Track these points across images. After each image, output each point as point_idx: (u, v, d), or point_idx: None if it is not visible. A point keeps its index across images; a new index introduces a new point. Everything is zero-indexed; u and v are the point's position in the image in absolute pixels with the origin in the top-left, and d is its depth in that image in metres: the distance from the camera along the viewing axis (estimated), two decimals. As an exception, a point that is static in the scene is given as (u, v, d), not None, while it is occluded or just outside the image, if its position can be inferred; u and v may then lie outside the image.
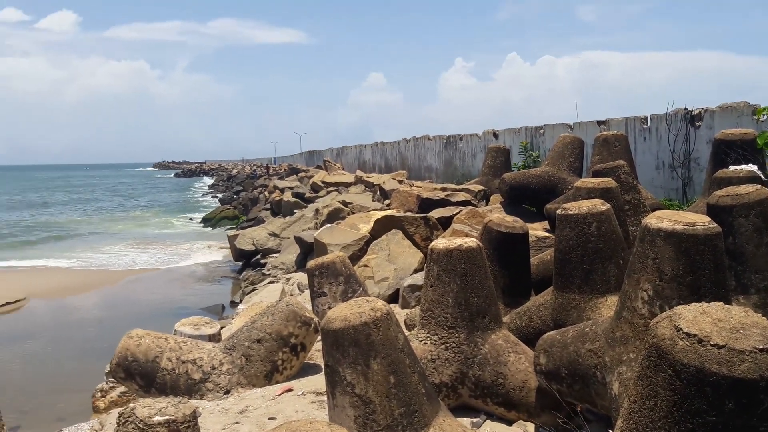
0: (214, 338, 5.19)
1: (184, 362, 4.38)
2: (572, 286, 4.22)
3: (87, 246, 28.56)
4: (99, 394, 6.69)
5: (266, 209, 28.47)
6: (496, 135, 17.95)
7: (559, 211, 4.40)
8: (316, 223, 15.75)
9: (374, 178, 21.50)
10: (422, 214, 9.42)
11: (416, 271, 8.14)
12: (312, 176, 29.17)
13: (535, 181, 8.95)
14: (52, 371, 11.18)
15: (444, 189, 11.25)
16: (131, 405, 3.11)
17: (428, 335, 4.11)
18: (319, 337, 5.36)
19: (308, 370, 4.94)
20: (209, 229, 34.32)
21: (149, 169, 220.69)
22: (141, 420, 2.94)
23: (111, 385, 6.60)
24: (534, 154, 14.77)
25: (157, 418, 2.93)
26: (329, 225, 11.82)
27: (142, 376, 4.38)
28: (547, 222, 7.71)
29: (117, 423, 3.04)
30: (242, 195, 43.37)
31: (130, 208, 51.28)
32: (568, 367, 3.49)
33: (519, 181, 9.16)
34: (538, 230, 7.26)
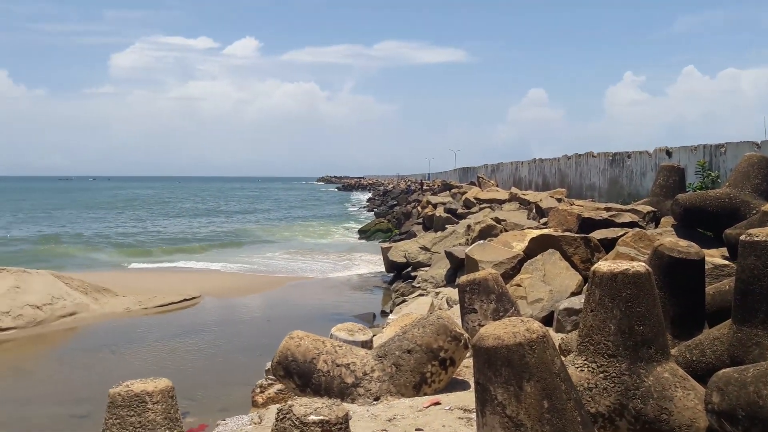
0: (367, 345, 5.33)
1: (338, 365, 4.54)
2: (755, 320, 3.80)
3: (255, 252, 30.95)
4: (258, 390, 7.14)
5: (418, 223, 28.88)
6: (669, 153, 16.67)
7: (742, 237, 3.97)
8: (468, 239, 15.65)
9: (530, 195, 20.93)
10: (582, 235, 8.96)
11: (573, 294, 7.75)
12: (465, 192, 29.09)
13: (713, 204, 8.14)
14: (220, 364, 12.19)
15: (608, 209, 10.62)
16: (289, 402, 3.27)
17: (586, 362, 3.88)
18: (469, 354, 5.29)
19: (456, 385, 4.88)
20: (364, 240, 35.58)
21: (314, 182, 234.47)
22: (297, 418, 3.08)
23: (269, 381, 7.02)
24: (713, 174, 13.48)
25: (312, 418, 3.06)
26: (481, 241, 11.68)
27: (299, 375, 4.61)
28: (726, 249, 6.99)
29: (276, 418, 3.21)
30: (396, 209, 44.47)
31: (294, 219, 54.76)
32: (746, 408, 3.14)
33: (695, 202, 8.39)
34: (715, 257, 6.58)
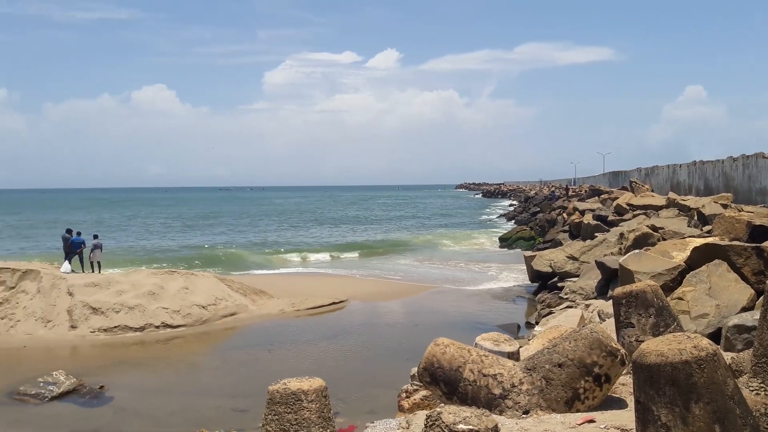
0: (513, 356, 5.19)
1: (485, 375, 4.48)
2: None
3: (397, 258, 31.58)
4: (404, 395, 7.24)
5: (564, 231, 27.78)
6: None
7: None
8: (620, 248, 14.77)
9: (690, 201, 19.32)
10: (754, 244, 8.10)
11: (744, 309, 7.02)
12: (616, 198, 27.53)
13: None
14: (367, 366, 12.56)
15: (784, 215, 9.53)
16: (438, 410, 3.27)
17: (762, 385, 3.49)
18: (626, 371, 4.97)
19: (611, 403, 4.60)
20: (506, 249, 34.90)
21: (453, 189, 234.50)
22: (447, 425, 3.07)
23: (415, 387, 7.10)
24: None
25: (462, 427, 3.03)
26: (637, 251, 10.96)
27: (445, 383, 4.60)
28: None
29: (424, 424, 3.22)
30: (539, 216, 43.10)
31: (434, 227, 55.11)
32: None
33: None
34: None
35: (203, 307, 16.70)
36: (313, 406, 3.69)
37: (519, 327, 14.83)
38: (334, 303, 18.54)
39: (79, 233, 20.27)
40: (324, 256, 32.65)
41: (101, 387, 11.29)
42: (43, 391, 10.91)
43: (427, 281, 23.30)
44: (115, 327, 15.31)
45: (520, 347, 6.53)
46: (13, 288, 16.27)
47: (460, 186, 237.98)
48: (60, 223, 55.14)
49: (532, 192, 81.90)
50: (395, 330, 15.68)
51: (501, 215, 65.84)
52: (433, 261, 30.13)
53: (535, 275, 19.37)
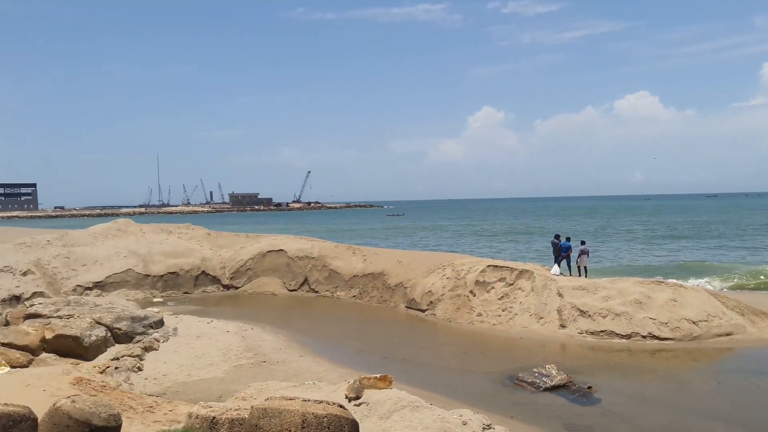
0: None
1: None
2: None
3: None
4: None
5: None
6: None
7: None
8: None
9: None
10: None
11: None
12: None
13: None
14: None
15: None
16: None
17: None
18: None
19: None
20: None
21: None
22: None
23: None
24: None
25: None
26: None
27: None
28: None
29: None
30: None
31: None
32: None
33: None
34: None
35: (694, 322, 15.52)
36: None
37: None
38: None
39: (568, 239, 21.55)
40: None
41: (589, 387, 11.67)
42: (538, 381, 11.96)
43: None
44: (602, 331, 15.64)
45: None
46: (512, 285, 18.43)
47: None
48: (548, 230, 60.09)
49: None
50: None
51: None
52: None
53: None
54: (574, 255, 21.14)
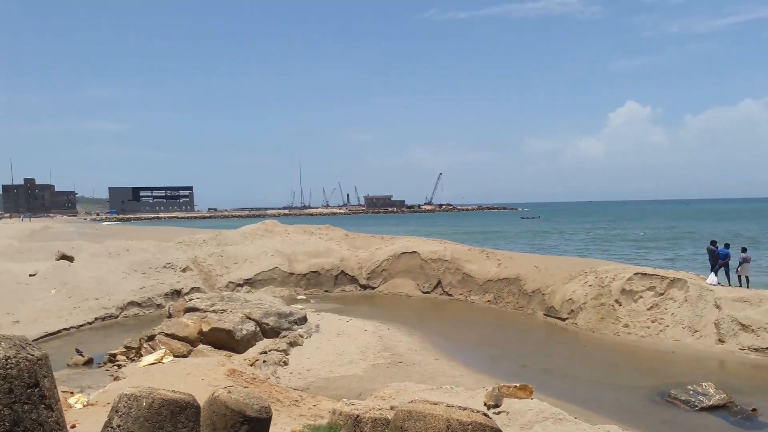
0: None
1: None
2: None
3: None
4: None
5: None
6: None
7: None
8: None
9: None
10: None
11: None
12: None
13: None
14: None
15: None
16: None
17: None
18: None
19: None
20: None
21: None
22: None
23: None
24: None
25: None
26: None
27: None
28: None
29: None
30: None
31: None
32: None
33: None
34: None
35: None
36: None
37: None
38: None
39: (726, 245, 19.71)
40: None
41: (753, 410, 10.59)
42: (693, 400, 11.04)
43: None
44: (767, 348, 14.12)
45: None
46: (662, 294, 17.18)
47: None
48: (700, 235, 55.35)
49: None
50: None
51: None
52: None
53: None
54: (733, 263, 19.28)
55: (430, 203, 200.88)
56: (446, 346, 15.86)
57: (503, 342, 16.94)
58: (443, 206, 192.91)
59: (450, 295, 24.14)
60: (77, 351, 14.68)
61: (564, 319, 18.77)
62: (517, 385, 8.74)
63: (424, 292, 24.77)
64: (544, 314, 19.87)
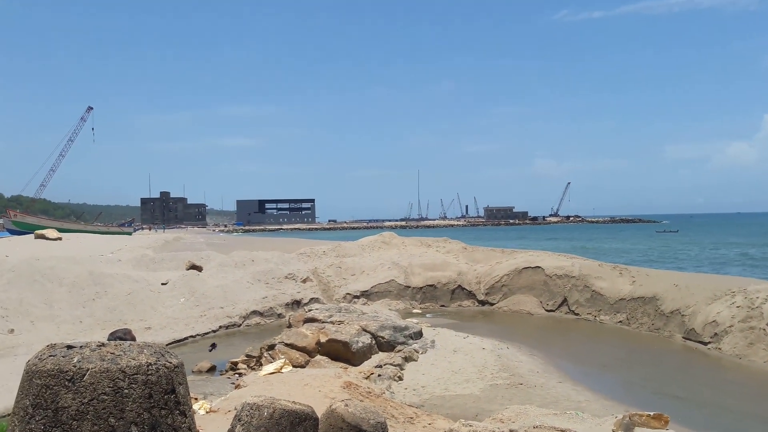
0: None
1: None
2: None
3: None
4: None
5: None
6: None
7: None
8: None
9: None
10: None
11: None
12: None
13: None
14: None
15: None
16: None
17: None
18: None
19: None
20: None
21: None
22: None
23: None
24: None
25: None
26: None
27: None
28: None
29: None
30: None
31: None
32: None
33: None
34: None
35: None
36: None
37: None
38: None
39: None
40: None
41: None
42: None
43: None
44: None
45: None
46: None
47: None
48: None
49: None
50: None
51: None
52: None
53: None
54: None
55: (556, 215, 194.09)
56: (571, 369, 14.79)
57: (635, 366, 15.53)
58: (571, 218, 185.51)
59: (576, 314, 22.72)
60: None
61: (706, 344, 16.91)
62: (651, 413, 7.89)
63: (547, 311, 23.52)
64: (683, 337, 18.04)
